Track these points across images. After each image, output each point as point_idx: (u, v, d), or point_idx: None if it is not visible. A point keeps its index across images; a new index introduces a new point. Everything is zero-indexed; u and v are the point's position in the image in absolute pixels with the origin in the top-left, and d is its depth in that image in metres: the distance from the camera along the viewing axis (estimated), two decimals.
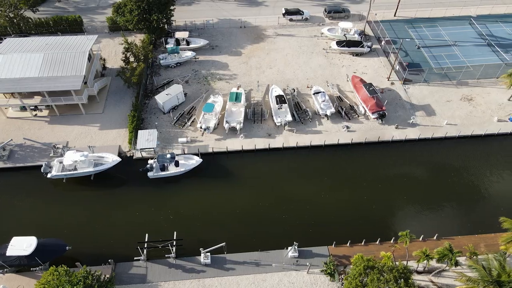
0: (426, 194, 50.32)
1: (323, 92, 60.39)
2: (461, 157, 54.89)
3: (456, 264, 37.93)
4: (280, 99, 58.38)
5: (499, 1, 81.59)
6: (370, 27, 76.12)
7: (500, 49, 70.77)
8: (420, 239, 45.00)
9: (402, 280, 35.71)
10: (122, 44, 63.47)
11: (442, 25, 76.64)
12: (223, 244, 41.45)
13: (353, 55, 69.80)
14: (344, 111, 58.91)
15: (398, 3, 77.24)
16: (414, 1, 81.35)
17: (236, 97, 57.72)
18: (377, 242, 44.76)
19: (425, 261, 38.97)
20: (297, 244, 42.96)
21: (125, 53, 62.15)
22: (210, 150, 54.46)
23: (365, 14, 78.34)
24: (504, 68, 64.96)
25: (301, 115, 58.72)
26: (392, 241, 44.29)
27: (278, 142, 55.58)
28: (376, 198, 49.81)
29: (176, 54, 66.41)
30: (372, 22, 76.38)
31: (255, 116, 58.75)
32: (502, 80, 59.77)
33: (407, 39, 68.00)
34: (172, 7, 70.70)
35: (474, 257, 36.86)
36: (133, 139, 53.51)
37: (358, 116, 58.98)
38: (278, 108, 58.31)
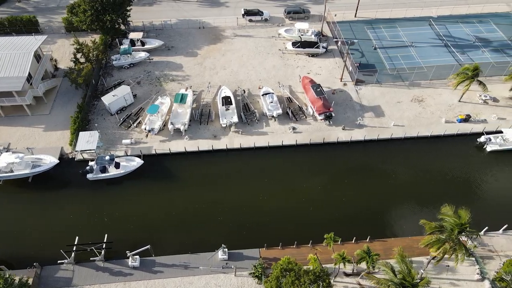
0: (365, 196, 50.13)
1: (272, 93, 60.21)
2: (404, 158, 54.77)
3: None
4: (226, 101, 58.14)
5: (462, 2, 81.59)
6: (329, 28, 76.01)
7: (457, 50, 70.74)
8: (353, 241, 44.91)
9: (321, 282, 35.63)
10: (72, 45, 63.17)
11: (402, 26, 76.52)
12: (148, 246, 41.22)
13: (309, 56, 69.61)
14: (292, 112, 58.74)
15: (358, 4, 77.07)
16: (375, 2, 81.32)
17: (182, 99, 57.42)
18: (309, 245, 44.63)
19: (354, 264, 38.85)
20: (225, 246, 42.78)
21: (75, 53, 61.86)
22: (153, 152, 54.21)
23: (326, 14, 78.30)
24: (457, 69, 64.85)
25: (249, 117, 58.49)
26: (324, 244, 44.14)
27: (222, 143, 55.37)
28: (315, 200, 49.61)
29: (129, 55, 66.06)
30: (331, 23, 76.25)
31: (202, 117, 58.53)
32: (450, 80, 59.72)
33: (353, 40, 66.19)
34: (128, 8, 70.55)
35: (388, 260, 36.66)
36: (74, 141, 53.17)
37: (306, 117, 58.81)
38: (226, 110, 58.08)
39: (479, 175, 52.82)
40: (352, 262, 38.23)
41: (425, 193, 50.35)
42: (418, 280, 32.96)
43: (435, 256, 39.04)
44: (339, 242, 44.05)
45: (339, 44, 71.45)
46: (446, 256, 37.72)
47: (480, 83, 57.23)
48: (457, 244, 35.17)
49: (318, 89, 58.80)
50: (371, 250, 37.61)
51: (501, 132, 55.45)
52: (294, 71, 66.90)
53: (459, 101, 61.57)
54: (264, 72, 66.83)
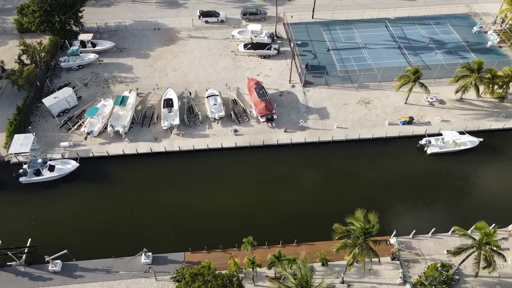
0: (299, 199, 49.80)
1: (216, 95, 59.89)
2: (344, 161, 54.62)
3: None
4: (168, 103, 57.78)
5: (421, 3, 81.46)
6: (285, 29, 75.74)
7: (409, 52, 70.59)
8: (280, 245, 44.61)
9: (230, 286, 35.36)
10: (18, 46, 62.70)
11: (358, 27, 76.32)
12: (65, 251, 40.82)
13: (261, 58, 69.33)
14: (235, 115, 58.43)
15: (314, 5, 76.79)
16: (333, 3, 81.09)
17: (122, 101, 57.00)
18: (235, 248, 44.32)
19: (274, 268, 38.52)
20: (146, 250, 42.44)
21: (20, 55, 61.36)
22: (90, 155, 53.79)
23: (282, 16, 78.08)
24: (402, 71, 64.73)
25: (192, 119, 58.17)
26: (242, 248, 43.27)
27: (162, 146, 54.98)
28: (248, 203, 49.31)
29: (77, 57, 65.59)
30: (287, 24, 76.00)
31: (145, 119, 58.16)
32: (395, 82, 59.59)
33: (298, 42, 66.35)
34: (80, 9, 70.17)
35: (292, 265, 36.31)
36: (9, 143, 52.71)
37: (249, 120, 58.52)
38: (168, 112, 57.72)
39: (417, 177, 52.57)
40: (262, 267, 37.88)
41: (360, 196, 49.89)
42: (314, 285, 32.75)
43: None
44: (266, 246, 43.90)
45: (291, 45, 71.20)
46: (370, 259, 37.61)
47: (422, 85, 57.06)
48: (364, 249, 34.86)
49: (260, 91, 58.55)
50: (282, 254, 37.27)
51: (441, 134, 55.32)
52: (244, 73, 66.60)
53: (406, 103, 61.42)
54: (214, 74, 66.51)
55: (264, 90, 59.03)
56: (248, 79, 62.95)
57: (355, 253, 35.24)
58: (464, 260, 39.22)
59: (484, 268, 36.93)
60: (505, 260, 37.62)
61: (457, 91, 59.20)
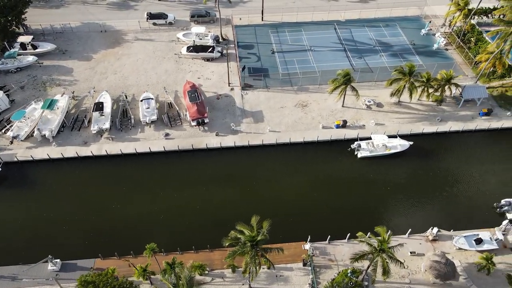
0: (221, 204, 49.13)
1: (150, 99, 59.29)
2: (272, 165, 54.09)
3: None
4: (98, 106, 57.13)
5: (373, 5, 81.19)
6: (233, 32, 75.24)
7: (354, 54, 70.24)
8: (193, 251, 44.07)
9: None
10: None
11: (307, 29, 75.93)
12: None
13: (204, 60, 68.81)
14: (168, 118, 57.87)
15: (263, 8, 76.31)
16: (286, 5, 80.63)
17: (50, 105, 56.28)
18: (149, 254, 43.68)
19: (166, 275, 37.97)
20: (52, 257, 41.78)
21: None
22: (15, 159, 53.09)
23: (235, 17, 77.64)
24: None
25: (124, 123, 57.59)
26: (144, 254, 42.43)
27: (90, 150, 54.26)
28: (169, 208, 48.74)
29: (15, 59, 64.85)
30: (234, 26, 75.56)
31: (76, 123, 57.53)
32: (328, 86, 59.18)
33: (222, 44, 65.62)
34: (24, 10, 69.51)
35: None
36: None
37: (182, 123, 57.96)
38: (100, 115, 57.08)
39: (345, 182, 52.14)
40: (155, 274, 37.33)
41: (284, 201, 49.56)
42: None
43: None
44: (178, 251, 43.42)
45: (236, 48, 70.74)
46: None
47: (353, 89, 56.67)
48: (253, 256, 34.31)
49: (193, 95, 58.05)
50: (176, 261, 36.60)
51: (370, 138, 54.95)
52: (185, 76, 66.02)
53: (343, 106, 61.03)
54: (155, 77, 65.92)
55: (197, 93, 58.51)
56: (185, 82, 62.38)
57: (247, 261, 34.66)
58: (369, 266, 38.81)
59: (382, 275, 36.56)
60: (404, 267, 37.24)
61: (391, 95, 58.90)
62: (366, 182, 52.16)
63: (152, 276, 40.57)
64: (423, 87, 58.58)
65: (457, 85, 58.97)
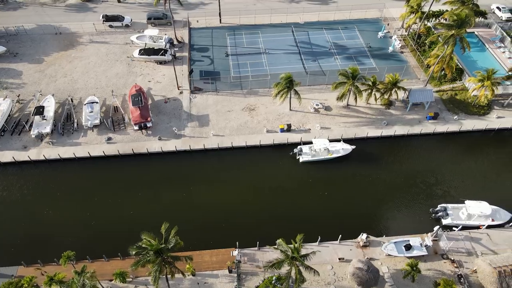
0: (155, 210, 48.49)
1: (93, 102, 58.68)
2: (213, 169, 53.60)
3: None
4: (38, 110, 56.48)
5: (333, 7, 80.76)
6: (189, 34, 74.66)
7: (309, 57, 69.82)
8: (119, 257, 43.52)
9: None
10: None
11: (265, 32, 75.46)
12: None
13: (157, 63, 68.24)
14: (112, 122, 57.31)
15: (220, 10, 75.79)
16: (246, 7, 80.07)
17: None
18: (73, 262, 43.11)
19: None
20: None
21: None
22: None
23: (190, 20, 77.17)
24: (301, 76, 64.03)
25: (67, 127, 56.99)
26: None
27: (28, 155, 53.58)
28: (100, 214, 48.15)
29: None
30: (190, 29, 75.06)
31: (17, 127, 56.87)
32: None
33: (177, 47, 65.18)
34: None
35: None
36: None
37: (126, 127, 57.39)
38: (42, 119, 56.42)
39: (286, 187, 51.68)
40: (63, 283, 36.72)
41: (219, 206, 48.93)
42: None
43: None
44: (104, 259, 42.85)
45: (189, 51, 70.21)
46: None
47: (296, 92, 56.25)
48: (158, 265, 33.78)
49: (136, 99, 57.48)
50: (87, 269, 36.00)
51: (311, 143, 54.49)
52: (136, 79, 65.40)
53: (290, 110, 60.59)
54: (105, 80, 65.29)
55: (141, 97, 57.91)
56: (131, 86, 61.79)
57: (155, 270, 34.07)
58: (289, 273, 38.29)
59: (294, 283, 36.12)
60: (318, 275, 36.78)
61: (337, 98, 58.48)
62: (305, 187, 51.75)
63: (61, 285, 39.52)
64: (369, 90, 58.33)
65: (404, 89, 58.66)
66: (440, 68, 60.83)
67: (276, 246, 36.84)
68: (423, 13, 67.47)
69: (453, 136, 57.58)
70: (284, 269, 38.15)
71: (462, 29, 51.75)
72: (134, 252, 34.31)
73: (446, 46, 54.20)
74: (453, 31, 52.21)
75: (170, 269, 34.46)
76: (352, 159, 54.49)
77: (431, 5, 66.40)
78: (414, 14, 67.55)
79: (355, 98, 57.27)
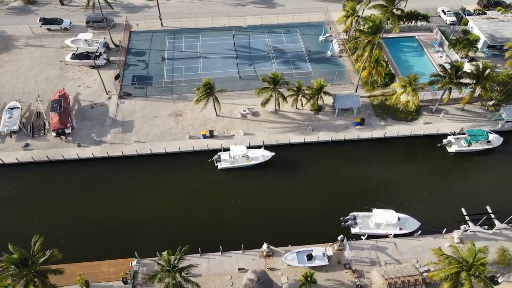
0: (64, 218, 47.94)
1: (14, 108, 57.70)
2: (130, 177, 52.80)
3: None
4: None
5: (281, 10, 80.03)
6: (129, 38, 73.76)
7: (245, 62, 69.10)
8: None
9: None
10: None
11: (206, 36, 74.64)
12: None
13: (91, 68, 67.29)
14: (32, 128, 56.38)
15: (159, 13, 74.89)
16: (192, 10, 79.29)
17: None
18: None
19: None
20: None
21: None
22: None
23: (132, 23, 76.33)
24: (230, 81, 63.41)
25: None
26: None
27: None
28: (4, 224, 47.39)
29: None
30: (131, 32, 74.21)
31: None
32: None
33: (114, 51, 64.61)
34: None
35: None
36: None
37: (46, 133, 56.46)
38: None
39: (200, 195, 50.92)
40: None
41: (127, 215, 48.27)
42: None
43: None
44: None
45: (123, 55, 69.32)
46: None
47: (215, 99, 55.55)
48: (22, 277, 32.82)
49: (55, 105, 56.60)
50: None
51: (228, 149, 53.78)
52: (66, 84, 64.44)
53: (217, 115, 59.83)
54: (34, 84, 64.27)
55: (60, 103, 56.98)
56: (55, 92, 60.80)
57: (22, 284, 33.17)
58: (167, 286, 37.44)
59: None
60: (199, 287, 36.09)
61: (262, 104, 57.72)
62: (221, 195, 51.03)
63: None
64: (295, 96, 57.71)
65: (330, 94, 58.10)
66: (369, 74, 60.33)
67: (152, 259, 36.07)
68: (358, 16, 67.03)
69: (378, 142, 57.01)
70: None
71: (377, 35, 51.16)
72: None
73: (364, 53, 53.60)
74: (369, 38, 51.64)
75: (41, 283, 33.54)
76: (272, 166, 53.85)
77: (363, 10, 65.94)
78: (349, 18, 66.97)
79: (278, 104, 56.61)
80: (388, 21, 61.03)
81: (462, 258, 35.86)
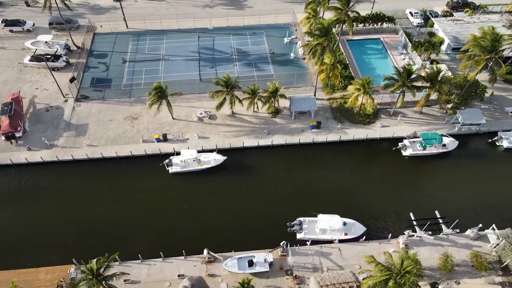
0: (15, 223, 47.42)
1: None
2: (79, 181, 52.15)
3: None
4: None
5: (243, 13, 79.39)
6: (92, 40, 73.06)
7: (207, 64, 68.55)
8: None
9: None
10: None
11: (170, 37, 74.02)
12: None
13: (51, 70, 66.44)
14: None
15: (124, 15, 74.18)
16: (157, 11, 78.59)
17: None
18: None
19: None
20: None
21: None
22: None
23: (97, 25, 75.65)
24: (189, 84, 62.92)
25: None
26: None
27: None
28: None
29: None
30: (95, 34, 73.56)
31: None
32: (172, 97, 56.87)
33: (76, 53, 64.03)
34: None
35: None
36: None
37: None
38: None
39: (150, 200, 50.32)
40: None
41: (70, 221, 47.76)
42: None
43: None
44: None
45: (84, 57, 68.62)
46: None
47: (168, 103, 55.00)
48: None
49: (5, 108, 55.94)
50: None
51: (179, 153, 53.21)
52: (23, 87, 63.77)
53: (173, 118, 59.27)
54: None
55: (11, 106, 56.34)
56: (9, 94, 60.12)
57: None
58: None
59: None
60: None
61: (216, 107, 57.15)
62: (167, 199, 50.46)
63: None
64: (251, 99, 57.19)
65: (286, 97, 57.61)
66: (327, 76, 59.85)
67: (78, 266, 35.52)
68: (319, 18, 66.49)
69: (333, 145, 56.56)
70: None
71: (326, 37, 50.69)
72: None
73: (314, 55, 53.09)
74: (319, 40, 51.15)
75: None
76: (225, 170, 53.32)
77: (323, 13, 65.45)
78: (311, 20, 66.41)
79: (231, 107, 56.11)
80: (345, 24, 60.57)
81: (394, 266, 35.42)
